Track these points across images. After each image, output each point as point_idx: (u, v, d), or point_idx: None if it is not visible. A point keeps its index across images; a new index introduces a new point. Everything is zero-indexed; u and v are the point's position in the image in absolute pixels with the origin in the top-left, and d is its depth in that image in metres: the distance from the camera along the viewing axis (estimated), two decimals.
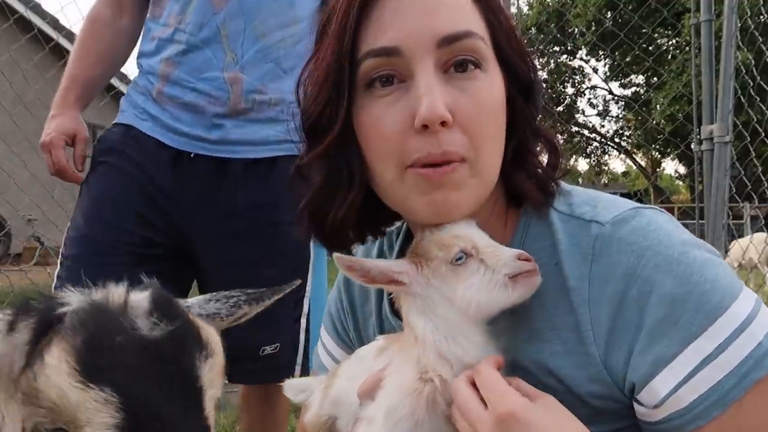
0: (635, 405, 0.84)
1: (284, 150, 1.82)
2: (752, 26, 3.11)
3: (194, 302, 0.84)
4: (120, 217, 1.79)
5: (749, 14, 3.35)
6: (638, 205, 0.89)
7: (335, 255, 0.89)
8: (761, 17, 3.31)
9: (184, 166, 1.80)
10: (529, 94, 0.96)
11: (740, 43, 3.00)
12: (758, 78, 3.05)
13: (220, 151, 1.80)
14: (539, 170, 0.97)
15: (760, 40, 3.08)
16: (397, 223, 1.13)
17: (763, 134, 3.11)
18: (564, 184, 0.98)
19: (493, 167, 0.91)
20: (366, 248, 1.19)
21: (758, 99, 3.16)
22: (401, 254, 1.07)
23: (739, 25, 3.01)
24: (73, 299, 0.70)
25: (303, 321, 1.98)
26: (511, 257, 0.84)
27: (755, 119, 3.14)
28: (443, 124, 0.84)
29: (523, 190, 0.95)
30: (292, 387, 1.13)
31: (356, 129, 0.92)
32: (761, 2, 3.58)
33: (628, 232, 0.85)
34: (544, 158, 1.00)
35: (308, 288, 2.00)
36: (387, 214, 1.03)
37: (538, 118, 0.98)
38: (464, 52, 0.87)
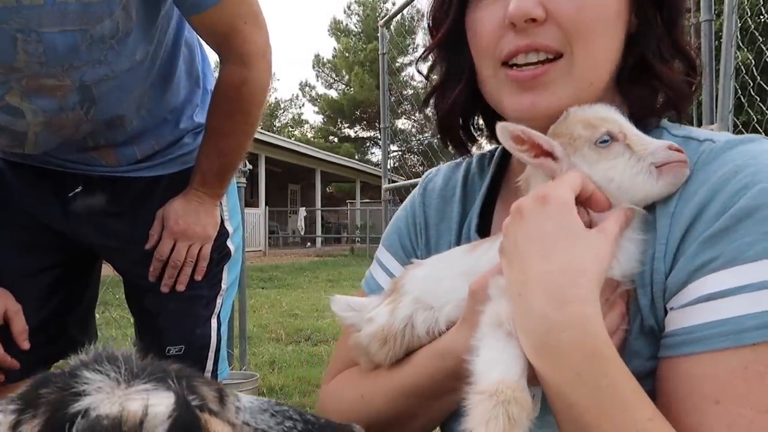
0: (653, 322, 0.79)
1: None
2: (752, 26, 3.10)
3: (248, 406, 0.72)
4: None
5: (749, 14, 3.35)
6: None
7: (501, 124, 0.85)
8: (761, 17, 3.31)
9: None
10: (663, 2, 0.91)
11: (740, 43, 3.00)
12: (758, 78, 3.04)
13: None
14: (668, 86, 0.91)
15: (760, 40, 3.07)
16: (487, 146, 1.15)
17: (763, 134, 3.10)
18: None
19: (593, 67, 0.88)
20: (450, 169, 1.17)
21: (758, 99, 3.15)
22: (493, 180, 1.08)
23: (739, 25, 3.01)
24: (85, 402, 0.59)
25: (214, 321, 1.79)
26: (661, 146, 0.79)
27: (755, 119, 3.14)
28: (534, 21, 0.84)
29: (643, 105, 0.91)
30: (340, 302, 1.02)
31: (466, 32, 0.97)
32: (761, 2, 3.58)
33: (737, 151, 0.79)
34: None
35: (224, 285, 1.83)
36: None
37: (674, 30, 0.92)
38: None
